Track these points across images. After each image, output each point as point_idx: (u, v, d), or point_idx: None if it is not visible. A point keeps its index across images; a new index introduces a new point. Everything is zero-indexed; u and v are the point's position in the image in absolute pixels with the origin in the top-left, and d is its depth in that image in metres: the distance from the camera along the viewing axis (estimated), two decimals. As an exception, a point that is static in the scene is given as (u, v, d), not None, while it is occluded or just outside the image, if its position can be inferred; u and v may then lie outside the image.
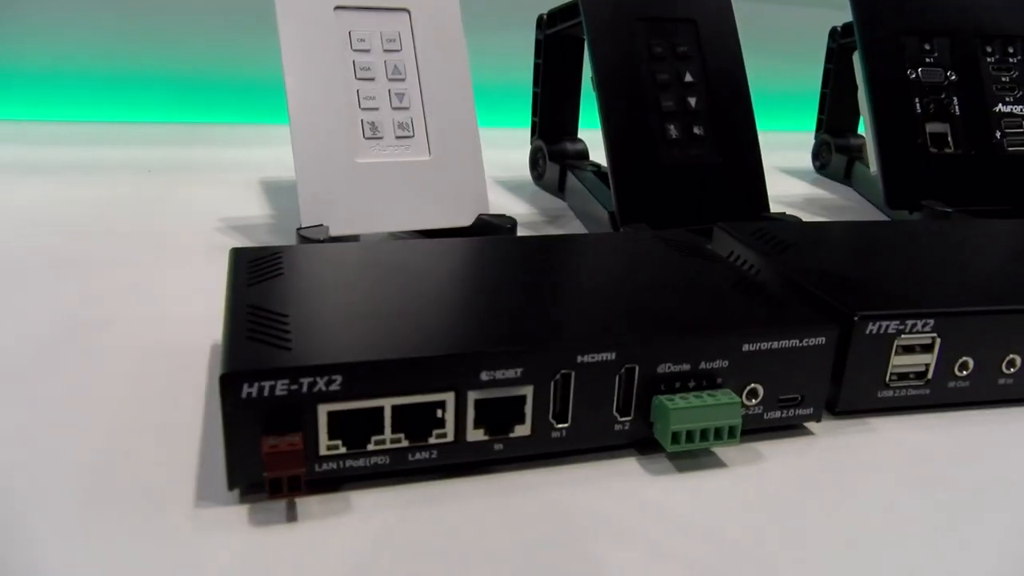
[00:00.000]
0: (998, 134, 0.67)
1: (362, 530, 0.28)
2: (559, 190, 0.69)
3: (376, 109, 0.53)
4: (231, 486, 0.28)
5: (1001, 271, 0.41)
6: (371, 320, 0.32)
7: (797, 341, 0.33)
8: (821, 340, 0.33)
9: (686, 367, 0.32)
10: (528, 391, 0.30)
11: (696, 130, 0.57)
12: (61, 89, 0.91)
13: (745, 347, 0.32)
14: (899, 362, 0.36)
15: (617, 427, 0.32)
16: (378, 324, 0.31)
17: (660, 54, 0.57)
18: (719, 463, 0.33)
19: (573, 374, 0.30)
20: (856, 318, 0.35)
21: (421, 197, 0.53)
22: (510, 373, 0.30)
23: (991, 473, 0.33)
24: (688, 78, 0.57)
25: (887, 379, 0.36)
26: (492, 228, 0.53)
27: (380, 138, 0.53)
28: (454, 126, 0.55)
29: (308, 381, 0.28)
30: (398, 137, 0.53)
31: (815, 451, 0.34)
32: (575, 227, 0.62)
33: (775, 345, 0.33)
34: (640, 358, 0.31)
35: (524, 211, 0.66)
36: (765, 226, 0.46)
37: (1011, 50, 0.69)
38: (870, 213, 0.69)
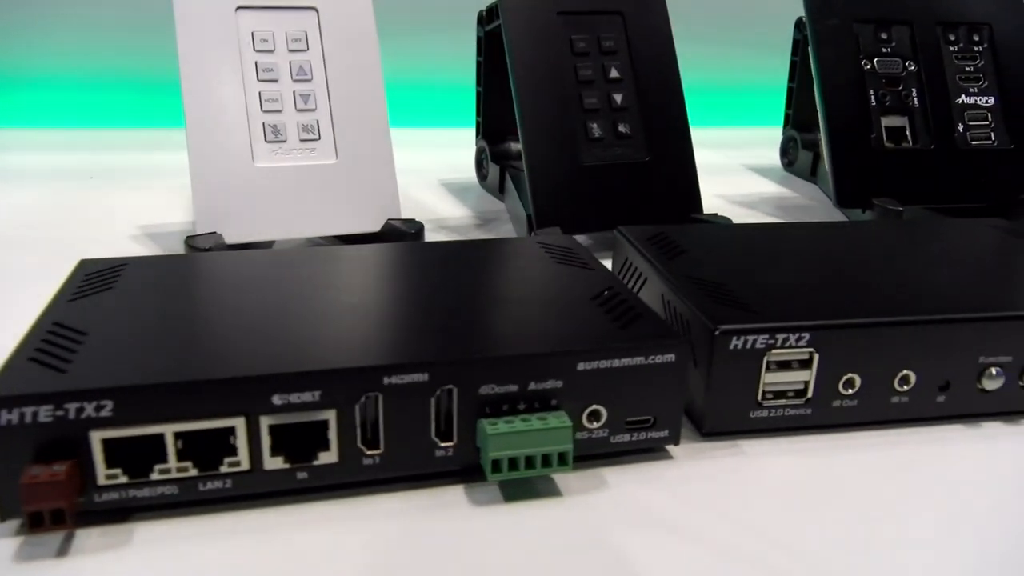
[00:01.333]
0: (960, 127, 0.63)
1: (135, 566, 0.26)
2: (499, 191, 0.66)
3: (279, 111, 0.51)
4: (1, 518, 0.26)
5: (906, 279, 0.38)
6: (174, 339, 0.29)
7: (642, 359, 0.30)
8: (670, 357, 0.30)
9: (513, 388, 0.29)
10: (331, 415, 0.28)
11: (622, 128, 0.54)
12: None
13: (581, 366, 0.30)
14: (773, 379, 0.33)
15: (439, 453, 0.29)
16: (177, 344, 0.29)
17: (583, 49, 0.54)
18: (554, 491, 0.30)
19: (380, 397, 0.28)
20: (717, 332, 0.32)
21: (326, 202, 0.51)
22: (307, 396, 0.27)
23: (862, 504, 0.30)
24: (614, 73, 0.55)
25: (760, 398, 0.33)
26: (401, 233, 0.51)
27: (283, 141, 0.51)
28: (364, 128, 0.52)
29: (75, 407, 0.26)
30: (303, 140, 0.51)
31: (664, 479, 0.31)
32: (507, 231, 0.60)
33: (616, 364, 0.30)
34: (458, 379, 0.28)
35: (461, 214, 0.64)
36: (665, 231, 0.43)
37: (976, 38, 0.65)
38: (830, 213, 0.66)
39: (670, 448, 0.33)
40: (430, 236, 0.57)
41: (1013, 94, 0.64)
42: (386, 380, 0.28)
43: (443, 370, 0.28)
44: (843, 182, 0.60)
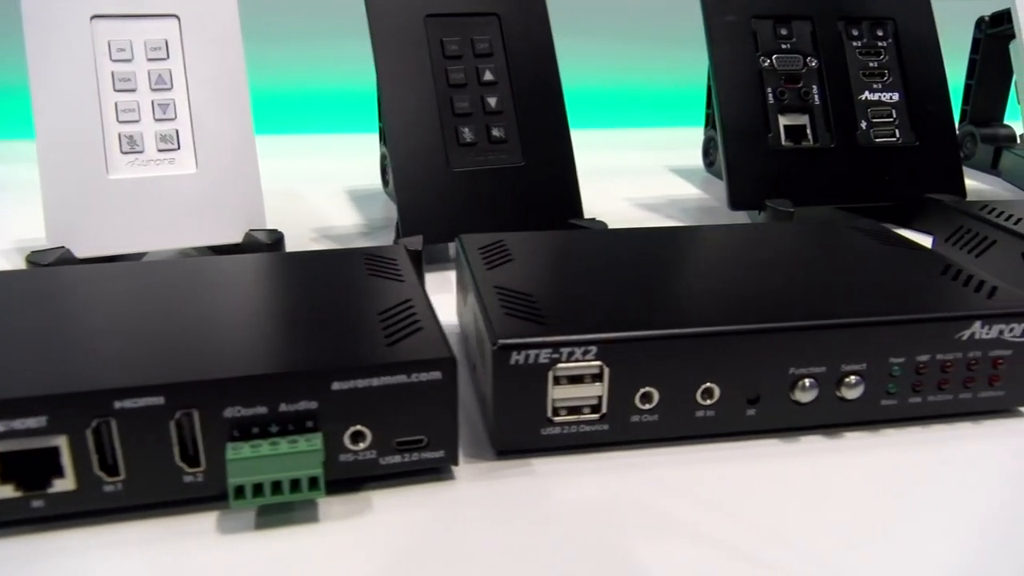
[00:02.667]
0: (864, 124, 0.61)
1: None
2: (398, 199, 0.65)
3: (136, 121, 0.50)
4: None
5: (728, 287, 0.36)
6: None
7: (404, 377, 0.29)
8: (436, 375, 0.29)
9: (262, 410, 0.28)
10: (61, 441, 0.27)
11: (496, 132, 0.53)
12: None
13: (336, 386, 0.28)
14: (562, 395, 0.31)
15: (188, 479, 0.28)
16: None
17: (455, 52, 0.53)
18: (311, 518, 0.29)
19: (113, 422, 0.27)
20: (495, 347, 0.30)
21: (185, 213, 0.50)
22: (32, 422, 0.26)
23: (655, 525, 0.28)
24: (488, 76, 0.53)
25: (550, 414, 0.31)
26: (260, 244, 0.50)
27: (140, 152, 0.50)
28: (227, 137, 0.51)
29: None
30: (161, 150, 0.50)
31: (435, 501, 0.30)
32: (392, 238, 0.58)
33: (375, 383, 0.28)
34: (198, 401, 0.27)
35: (353, 222, 0.63)
36: (505, 238, 0.41)
37: (880, 33, 0.63)
38: (735, 215, 0.64)
39: (460, 467, 0.31)
40: (310, 245, 0.56)
41: (918, 90, 0.63)
42: (117, 404, 0.27)
43: (180, 392, 0.27)
44: (737, 183, 0.59)
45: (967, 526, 0.28)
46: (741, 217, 0.61)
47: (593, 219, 0.53)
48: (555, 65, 0.55)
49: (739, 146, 0.59)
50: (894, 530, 0.28)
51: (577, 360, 0.31)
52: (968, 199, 0.60)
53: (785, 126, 0.61)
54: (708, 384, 0.32)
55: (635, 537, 0.28)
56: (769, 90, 0.60)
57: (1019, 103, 0.71)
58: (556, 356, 0.31)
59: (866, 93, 0.62)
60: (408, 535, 0.28)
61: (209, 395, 0.27)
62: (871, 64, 0.62)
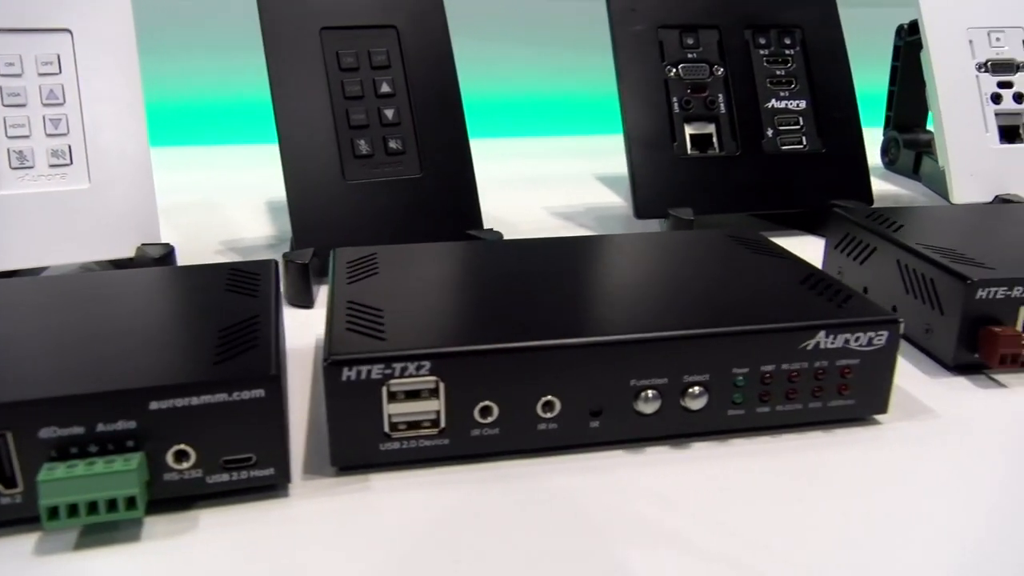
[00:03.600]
0: (770, 132, 0.62)
1: None
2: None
3: (26, 136, 0.50)
4: None
5: (579, 299, 0.37)
6: None
7: (226, 395, 0.29)
8: (259, 393, 0.29)
9: (79, 430, 0.28)
10: None
11: (393, 144, 0.53)
12: None
13: (154, 405, 0.28)
14: (399, 410, 0.31)
15: (5, 500, 0.28)
16: None
17: (351, 64, 0.53)
18: (133, 537, 0.29)
19: (-77, 444, 0.27)
20: (326, 363, 0.30)
21: (76, 229, 0.50)
22: None
23: (489, 540, 0.28)
24: (385, 88, 0.53)
25: (388, 429, 0.32)
26: (150, 259, 0.50)
27: (30, 167, 0.50)
28: (122, 152, 0.51)
29: None
30: (52, 166, 0.50)
31: (264, 520, 0.30)
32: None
33: (195, 401, 0.28)
34: (10, 423, 0.27)
35: (263, 234, 0.62)
36: (378, 252, 0.42)
37: (788, 41, 0.64)
38: (646, 223, 0.64)
39: (298, 484, 0.31)
40: (213, 258, 0.56)
41: (825, 98, 0.63)
42: (-73, 427, 0.26)
43: (-11, 414, 0.27)
44: (642, 193, 0.59)
45: (813, 532, 0.29)
46: (653, 225, 0.61)
47: (490, 229, 0.53)
48: (454, 76, 0.55)
49: (644, 155, 0.59)
50: (739, 538, 0.28)
51: (411, 375, 0.31)
52: (876, 205, 0.60)
53: (691, 135, 0.61)
54: (548, 397, 0.32)
55: (469, 552, 0.28)
56: (675, 99, 0.61)
57: (931, 110, 0.72)
58: (389, 372, 0.31)
59: (773, 101, 0.62)
60: (232, 555, 0.28)
61: (22, 416, 0.27)
62: (778, 72, 0.63)
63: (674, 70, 0.61)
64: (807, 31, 0.64)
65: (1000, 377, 0.40)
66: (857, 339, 0.34)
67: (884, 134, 0.86)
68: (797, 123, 0.62)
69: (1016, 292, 0.39)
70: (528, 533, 0.29)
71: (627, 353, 0.32)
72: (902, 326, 0.35)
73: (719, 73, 0.62)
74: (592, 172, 0.81)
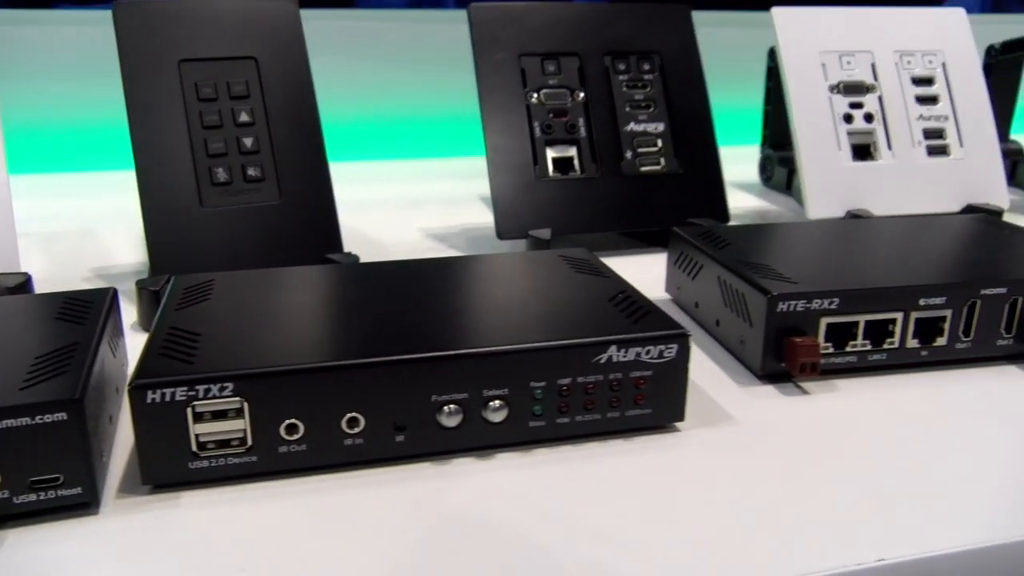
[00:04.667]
0: (629, 154, 0.65)
1: None
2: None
3: None
4: None
5: (387, 319, 0.39)
6: None
7: (29, 419, 0.30)
8: (61, 416, 0.30)
9: None
10: None
11: (252, 171, 0.54)
12: None
13: (-49, 429, 0.29)
14: (205, 430, 0.33)
15: None
16: None
17: (209, 95, 0.54)
18: (-67, 560, 0.30)
19: None
20: (130, 387, 0.32)
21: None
22: None
23: (284, 557, 0.30)
24: (244, 118, 0.55)
25: (195, 448, 0.33)
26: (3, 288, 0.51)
27: None
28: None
29: None
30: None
31: (71, 538, 0.31)
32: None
33: (-3, 426, 0.30)
34: None
35: (136, 260, 0.63)
36: (216, 278, 0.43)
37: (647, 66, 0.67)
38: (516, 243, 0.67)
39: (111, 503, 0.33)
40: (79, 285, 0.57)
41: (682, 120, 0.66)
42: None
43: None
44: (504, 214, 0.61)
45: (609, 537, 0.31)
46: (521, 245, 0.64)
47: (348, 253, 0.55)
48: (314, 104, 0.57)
49: (506, 178, 0.62)
50: (542, 543, 0.30)
51: (215, 397, 0.33)
52: (753, 221, 0.63)
53: (553, 158, 0.63)
54: (353, 414, 0.34)
55: (270, 565, 0.29)
56: (536, 124, 0.63)
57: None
58: (193, 393, 0.32)
59: (632, 124, 0.65)
60: (34, 569, 0.29)
61: None
62: (637, 96, 0.66)
63: (536, 96, 0.64)
64: (665, 57, 0.67)
65: (806, 385, 0.43)
66: (648, 352, 0.37)
67: (761, 152, 0.89)
68: (655, 145, 0.65)
69: (815, 305, 0.42)
70: (327, 545, 0.30)
71: (426, 370, 0.34)
72: (691, 339, 0.37)
73: (579, 98, 0.65)
74: (476, 193, 0.83)
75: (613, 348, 0.36)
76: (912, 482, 0.35)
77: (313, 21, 0.60)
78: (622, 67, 0.66)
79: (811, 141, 0.68)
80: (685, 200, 0.65)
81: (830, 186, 0.68)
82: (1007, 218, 0.64)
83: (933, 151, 0.70)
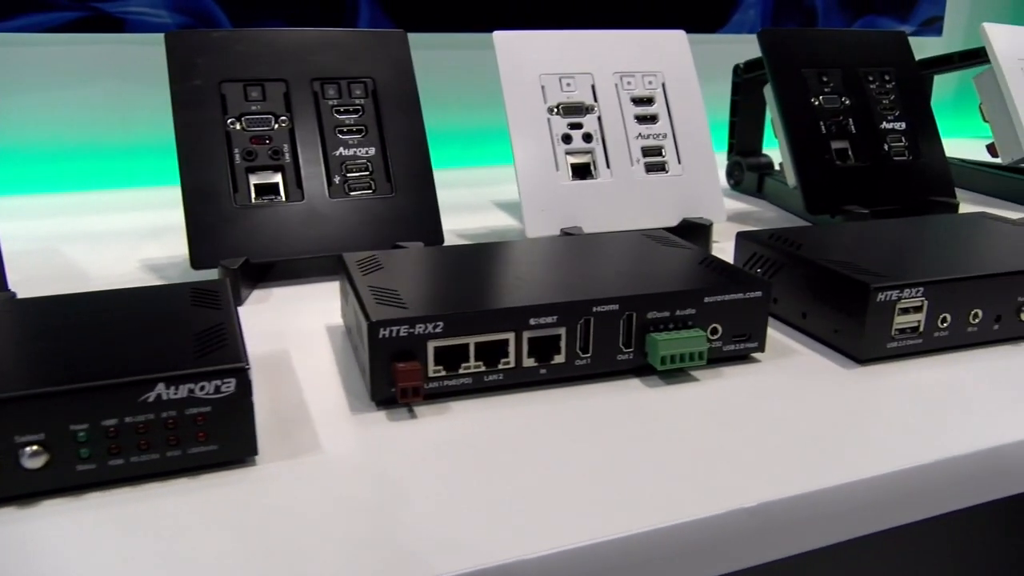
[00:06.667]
0: (337, 178, 0.64)
1: None
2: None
3: None
4: None
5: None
6: None
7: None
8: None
9: None
10: None
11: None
12: None
13: None
14: None
15: None
16: None
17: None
18: None
19: None
20: None
21: None
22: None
23: None
24: None
25: None
26: None
27: None
28: None
29: None
30: None
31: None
32: None
33: None
34: None
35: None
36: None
37: (358, 92, 0.67)
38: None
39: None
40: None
41: (396, 144, 0.66)
42: None
43: None
44: (197, 243, 0.60)
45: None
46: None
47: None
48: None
49: (202, 207, 0.61)
50: None
51: None
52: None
53: (256, 184, 0.63)
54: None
55: None
56: (236, 151, 0.62)
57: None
58: None
59: (341, 149, 0.65)
60: None
61: None
62: (347, 121, 0.66)
63: (238, 123, 0.63)
64: (379, 82, 0.67)
65: (419, 409, 0.43)
66: (203, 388, 0.36)
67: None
68: (366, 169, 0.65)
69: (419, 330, 0.42)
70: None
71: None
72: (250, 372, 0.37)
73: (284, 124, 0.64)
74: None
75: (161, 386, 0.36)
76: (470, 500, 0.35)
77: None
78: (332, 92, 0.66)
79: (529, 162, 0.69)
80: (397, 223, 0.65)
81: (547, 205, 0.69)
82: (726, 229, 0.67)
83: (652, 168, 0.72)
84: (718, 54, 1.00)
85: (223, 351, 0.38)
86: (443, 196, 0.67)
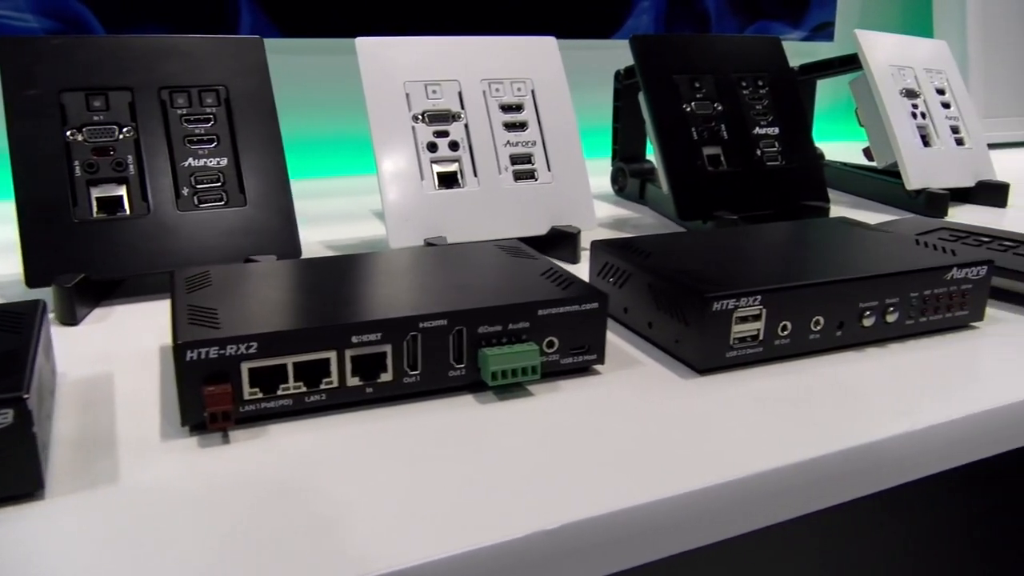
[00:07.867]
0: (186, 190, 0.62)
1: None
2: None
3: None
4: None
5: None
6: None
7: None
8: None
9: None
10: None
11: None
12: None
13: None
14: None
15: None
16: None
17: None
18: None
19: None
20: None
21: None
22: None
23: None
24: None
25: None
26: None
27: None
28: None
29: None
30: None
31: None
32: None
33: None
34: None
35: None
36: None
37: (210, 100, 0.65)
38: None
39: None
40: None
41: (251, 153, 0.64)
42: None
43: None
44: (32, 259, 0.57)
45: None
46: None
47: None
48: None
49: (37, 222, 0.58)
50: None
51: None
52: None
53: (98, 198, 0.60)
54: None
55: None
56: (77, 163, 0.60)
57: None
58: None
59: (191, 160, 0.63)
60: None
61: None
62: (197, 131, 0.63)
63: (79, 134, 0.60)
64: (233, 91, 0.65)
65: (234, 433, 0.41)
66: (-15, 416, 0.34)
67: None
68: (218, 180, 0.63)
69: (231, 351, 0.41)
70: None
71: None
72: (29, 401, 0.35)
73: (128, 134, 0.62)
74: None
75: (-74, 418, 0.33)
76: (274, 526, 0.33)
77: None
78: (181, 101, 0.64)
79: (393, 171, 0.68)
80: (249, 235, 0.63)
81: (411, 215, 0.68)
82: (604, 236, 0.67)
83: (520, 176, 0.71)
84: (609, 59, 1.00)
85: (2, 380, 0.36)
86: (322, 206, 0.66)
